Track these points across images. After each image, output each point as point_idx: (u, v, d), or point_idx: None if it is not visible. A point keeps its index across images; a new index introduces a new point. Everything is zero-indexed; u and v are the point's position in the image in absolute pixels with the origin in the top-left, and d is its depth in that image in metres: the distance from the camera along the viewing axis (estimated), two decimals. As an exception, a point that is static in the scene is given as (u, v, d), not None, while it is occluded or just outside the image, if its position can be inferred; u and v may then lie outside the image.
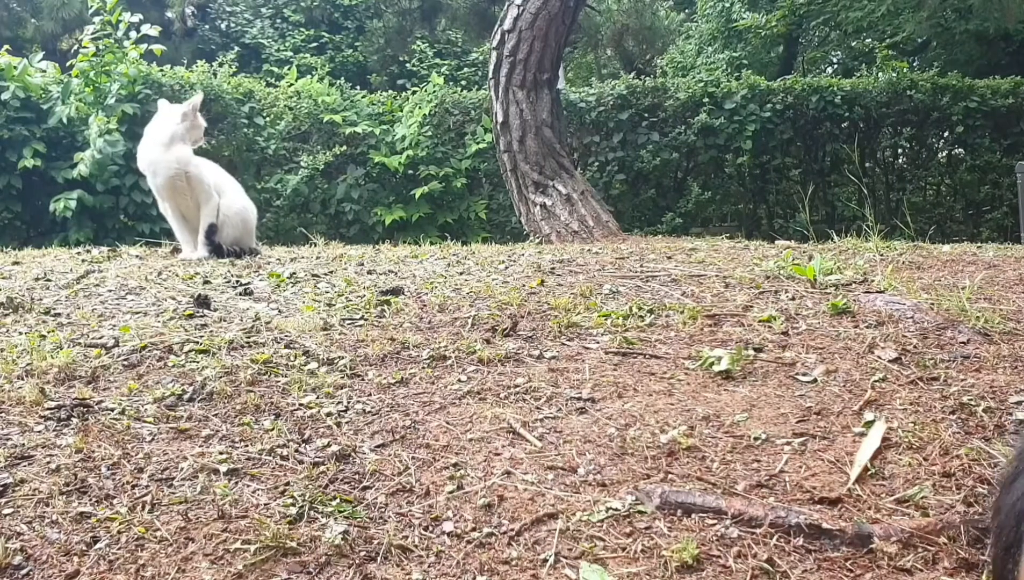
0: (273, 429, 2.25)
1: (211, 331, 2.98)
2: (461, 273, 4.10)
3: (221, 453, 2.11)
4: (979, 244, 5.76)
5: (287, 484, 1.99)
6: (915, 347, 2.80)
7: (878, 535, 1.81)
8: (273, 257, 4.87)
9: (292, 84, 10.57)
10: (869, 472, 2.04)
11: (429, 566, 1.75)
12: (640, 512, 1.91)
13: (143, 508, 1.89)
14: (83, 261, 4.65)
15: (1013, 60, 14.27)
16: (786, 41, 17.61)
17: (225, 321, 3.13)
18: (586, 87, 10.84)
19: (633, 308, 3.27)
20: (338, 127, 9.91)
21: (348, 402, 2.42)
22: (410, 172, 9.94)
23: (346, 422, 2.31)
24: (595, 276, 3.93)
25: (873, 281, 3.63)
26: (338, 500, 1.94)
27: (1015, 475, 0.84)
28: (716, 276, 3.83)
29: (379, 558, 1.76)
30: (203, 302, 3.35)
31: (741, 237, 6.55)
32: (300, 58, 17.07)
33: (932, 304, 3.21)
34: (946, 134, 10.75)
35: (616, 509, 1.91)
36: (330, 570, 1.73)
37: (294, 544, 1.78)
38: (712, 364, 2.65)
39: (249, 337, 2.91)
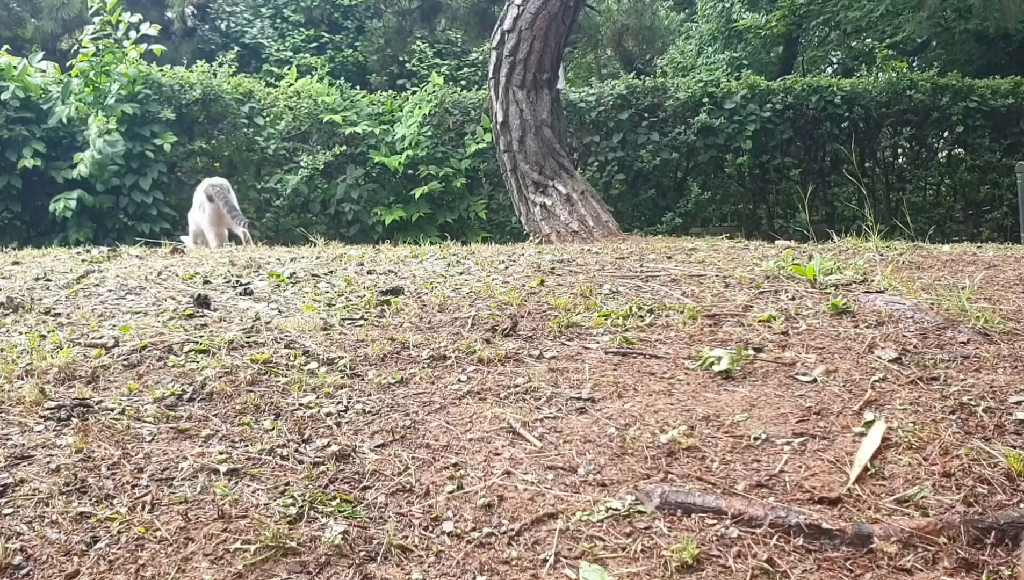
0: (273, 429, 2.25)
1: (211, 331, 2.98)
2: (461, 273, 4.10)
3: (221, 453, 2.11)
4: (979, 244, 5.76)
5: (287, 484, 1.99)
6: (915, 347, 2.80)
7: (878, 535, 1.81)
8: (273, 257, 4.87)
9: (292, 84, 10.56)
10: (869, 472, 2.04)
11: (429, 566, 1.75)
12: (640, 512, 1.91)
13: (143, 508, 1.89)
14: (83, 261, 4.65)
15: (1013, 60, 14.27)
16: (786, 41, 17.61)
17: (225, 321, 3.14)
18: (586, 87, 10.83)
19: (633, 308, 3.27)
20: (338, 127, 9.91)
21: (348, 402, 2.42)
22: (410, 172, 9.94)
23: (346, 422, 2.31)
24: (595, 276, 3.93)
25: (873, 281, 3.63)
26: (338, 500, 1.94)
27: None
28: (716, 276, 3.83)
29: (379, 558, 1.76)
30: (203, 302, 3.35)
31: (741, 237, 6.54)
32: (300, 58, 17.06)
33: (932, 304, 3.21)
34: (946, 134, 10.74)
35: (616, 509, 1.91)
36: (330, 570, 1.73)
37: (294, 544, 1.78)
38: (712, 364, 2.65)
39: (249, 337, 2.91)
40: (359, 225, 9.88)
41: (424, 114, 9.93)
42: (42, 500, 1.90)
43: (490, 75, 7.24)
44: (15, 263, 4.68)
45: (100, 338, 2.90)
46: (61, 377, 2.55)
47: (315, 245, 5.46)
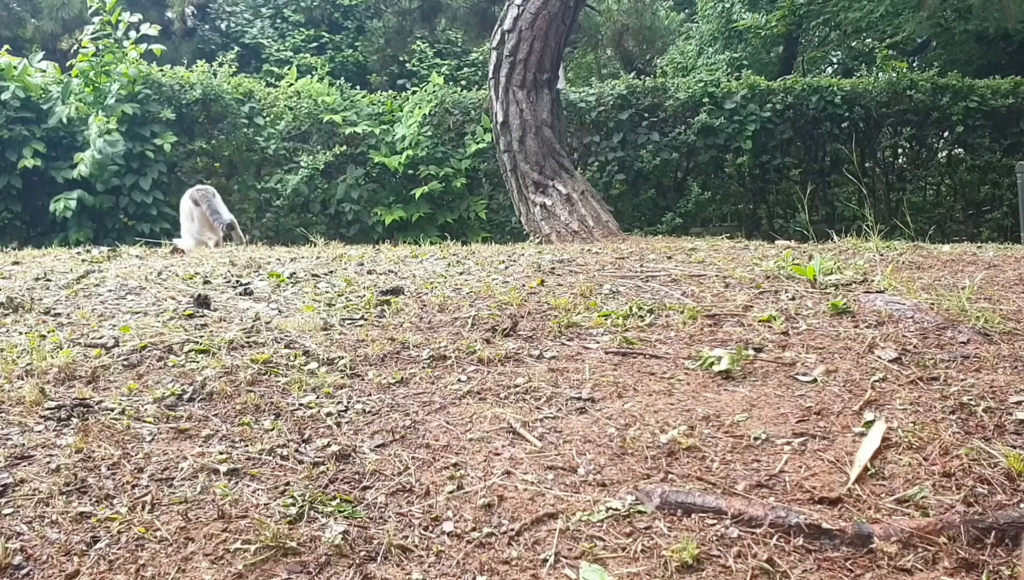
0: (273, 429, 2.25)
1: (211, 331, 2.98)
2: (461, 273, 4.10)
3: (221, 453, 2.11)
4: (979, 244, 5.75)
5: (287, 484, 1.99)
6: (915, 347, 2.80)
7: (878, 535, 1.81)
8: (273, 257, 4.87)
9: (292, 84, 10.56)
10: (869, 472, 2.04)
11: (429, 566, 1.75)
12: (640, 512, 1.91)
13: (143, 508, 1.89)
14: (83, 261, 4.65)
15: (1013, 60, 14.27)
16: (786, 41, 17.60)
17: (225, 321, 3.14)
18: (586, 87, 10.83)
19: (633, 308, 3.27)
20: (338, 127, 9.91)
21: (348, 402, 2.42)
22: (410, 172, 9.94)
23: (346, 422, 2.31)
24: (595, 276, 3.93)
25: (873, 281, 3.63)
26: (338, 500, 1.94)
27: None
28: (716, 276, 3.83)
29: (379, 558, 1.76)
30: (203, 302, 3.35)
31: (741, 237, 6.54)
32: (300, 58, 17.06)
33: (932, 304, 3.21)
34: (946, 134, 10.74)
35: (616, 509, 1.91)
36: (330, 570, 1.73)
37: (294, 544, 1.78)
38: (712, 364, 2.65)
39: (249, 337, 2.91)
40: (359, 225, 9.88)
41: (424, 114, 9.93)
42: (42, 500, 1.90)
43: (490, 75, 7.24)
44: (15, 263, 4.68)
45: (100, 338, 2.90)
46: (61, 377, 2.55)
47: (315, 245, 5.46)
